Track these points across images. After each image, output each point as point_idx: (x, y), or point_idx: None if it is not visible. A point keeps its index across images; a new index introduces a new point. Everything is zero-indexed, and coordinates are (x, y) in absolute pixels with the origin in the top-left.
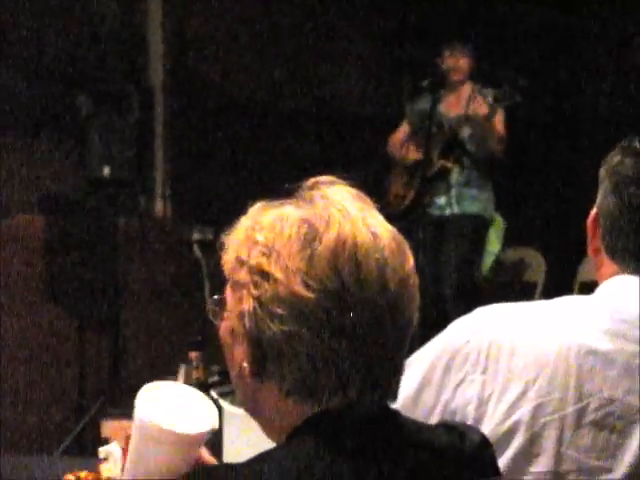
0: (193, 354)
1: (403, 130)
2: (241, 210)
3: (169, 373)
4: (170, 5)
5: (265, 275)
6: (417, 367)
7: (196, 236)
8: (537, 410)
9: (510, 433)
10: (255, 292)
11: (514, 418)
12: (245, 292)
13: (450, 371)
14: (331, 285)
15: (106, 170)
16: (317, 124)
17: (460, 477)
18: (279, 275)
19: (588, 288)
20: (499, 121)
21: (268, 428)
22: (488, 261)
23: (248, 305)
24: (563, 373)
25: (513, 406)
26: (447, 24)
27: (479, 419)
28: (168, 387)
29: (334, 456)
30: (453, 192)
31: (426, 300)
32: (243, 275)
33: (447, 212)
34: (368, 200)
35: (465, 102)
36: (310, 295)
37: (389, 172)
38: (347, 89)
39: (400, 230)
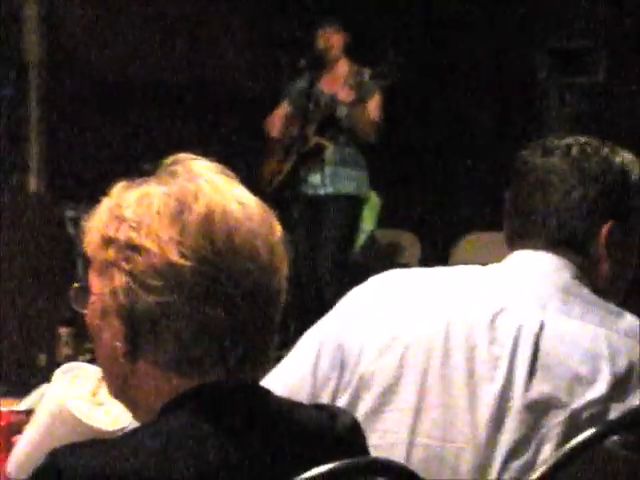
0: (63, 330)
1: (282, 109)
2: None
3: (41, 351)
4: None
5: (136, 248)
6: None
7: (69, 213)
8: (406, 349)
9: (376, 375)
10: (127, 267)
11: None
12: (115, 269)
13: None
14: (205, 253)
15: None
16: (194, 102)
17: (328, 456)
18: (152, 246)
19: None
20: (375, 105)
21: (141, 410)
22: (360, 239)
23: (120, 281)
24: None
25: (381, 352)
26: (325, 1)
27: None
28: (85, 369)
29: (204, 431)
30: (327, 171)
31: (301, 279)
32: (111, 253)
33: (321, 192)
34: (231, 173)
35: (342, 80)
36: (186, 263)
37: (264, 149)
38: (225, 67)
39: (274, 208)
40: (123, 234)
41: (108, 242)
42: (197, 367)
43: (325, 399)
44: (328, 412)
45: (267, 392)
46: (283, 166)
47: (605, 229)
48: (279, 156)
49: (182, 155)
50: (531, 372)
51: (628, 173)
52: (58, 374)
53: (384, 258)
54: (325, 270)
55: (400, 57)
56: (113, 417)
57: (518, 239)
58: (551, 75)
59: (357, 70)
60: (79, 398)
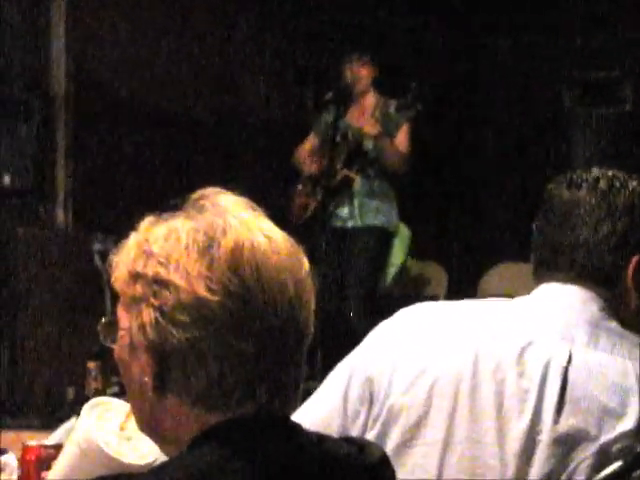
0: (91, 364)
1: (310, 141)
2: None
3: (69, 384)
4: (74, 14)
5: (164, 284)
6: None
7: (97, 246)
8: (435, 383)
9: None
10: (155, 302)
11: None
12: (144, 305)
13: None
14: (233, 287)
15: (6, 179)
16: (222, 134)
17: None
18: (180, 282)
19: None
20: (403, 137)
21: (169, 444)
22: (391, 272)
23: (149, 316)
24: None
25: (412, 383)
26: (351, 35)
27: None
28: (114, 403)
29: (234, 465)
30: (356, 203)
31: (330, 313)
32: (139, 288)
33: (350, 224)
34: (258, 208)
35: (369, 113)
36: (214, 298)
37: (291, 181)
38: (252, 100)
39: (303, 241)
40: (151, 269)
41: (136, 277)
42: (226, 402)
43: (355, 433)
44: (357, 445)
45: (297, 426)
46: (312, 200)
47: (633, 263)
48: (307, 190)
49: (209, 190)
50: (560, 405)
51: None
52: (86, 408)
53: (411, 290)
54: (354, 303)
55: (423, 88)
56: (141, 451)
57: (546, 272)
58: (577, 106)
59: (384, 102)
60: (107, 432)
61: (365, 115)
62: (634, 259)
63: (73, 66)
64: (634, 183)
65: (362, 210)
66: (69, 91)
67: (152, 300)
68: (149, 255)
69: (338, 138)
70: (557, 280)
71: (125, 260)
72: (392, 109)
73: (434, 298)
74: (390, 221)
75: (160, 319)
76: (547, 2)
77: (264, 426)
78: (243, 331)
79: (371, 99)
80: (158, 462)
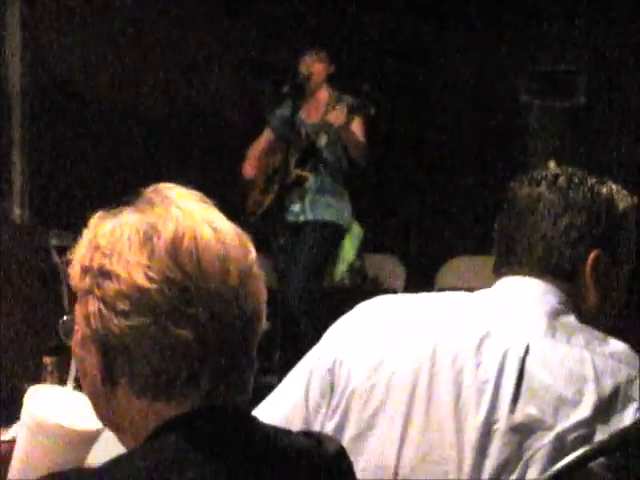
0: (47, 359)
1: (266, 137)
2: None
3: (27, 380)
4: (28, 11)
5: (107, 274)
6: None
7: (54, 242)
8: (393, 373)
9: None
10: (99, 293)
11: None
12: (90, 296)
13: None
14: (172, 275)
15: None
16: (179, 129)
17: None
18: (120, 271)
19: None
20: (357, 129)
21: (126, 438)
22: (340, 268)
23: (93, 307)
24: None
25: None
26: (309, 30)
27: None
28: (54, 391)
29: (189, 458)
30: (307, 199)
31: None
32: (87, 281)
33: (301, 219)
34: (208, 201)
35: (323, 108)
36: (152, 286)
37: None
38: (209, 94)
39: (260, 236)
40: (96, 262)
41: (85, 271)
42: (169, 391)
43: (317, 426)
44: (314, 439)
45: (252, 418)
46: (266, 197)
47: (591, 257)
48: (261, 186)
49: (161, 185)
50: (516, 395)
51: (614, 202)
52: (28, 394)
53: (369, 284)
54: (293, 295)
55: (375, 91)
56: (92, 418)
57: (506, 266)
58: (533, 98)
59: (337, 97)
60: (53, 408)
61: (318, 110)
62: (593, 254)
63: (28, 62)
64: (593, 180)
65: (313, 205)
66: (24, 87)
67: (96, 291)
68: (96, 249)
69: (293, 135)
70: (517, 274)
71: (77, 256)
72: (346, 103)
73: (392, 291)
74: (341, 216)
75: (103, 309)
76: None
77: (218, 418)
78: (183, 318)
79: (324, 94)
80: (101, 428)
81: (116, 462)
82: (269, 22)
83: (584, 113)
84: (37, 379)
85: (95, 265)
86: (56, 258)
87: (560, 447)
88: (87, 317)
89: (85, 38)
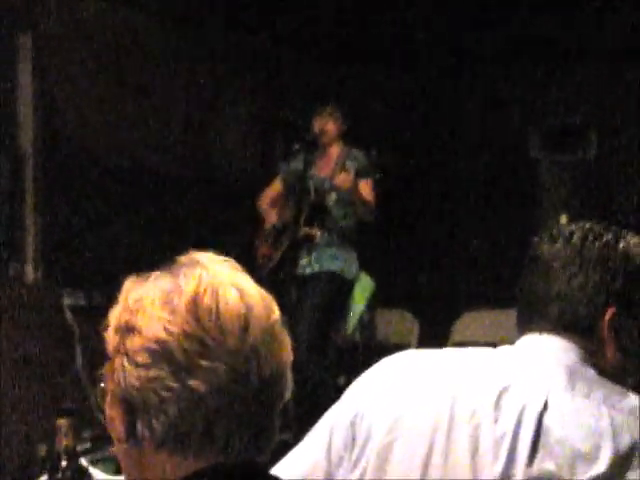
0: (62, 421)
1: (275, 187)
2: (114, 274)
3: (41, 441)
4: (40, 72)
5: (131, 329)
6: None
7: (67, 301)
8: (412, 428)
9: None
10: (123, 348)
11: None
12: (118, 354)
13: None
14: (191, 330)
15: None
16: (193, 187)
17: None
18: (142, 325)
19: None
20: (366, 189)
21: None
22: (352, 321)
23: (119, 363)
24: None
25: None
26: (323, 87)
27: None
28: None
29: None
30: (314, 252)
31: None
32: (117, 339)
33: (308, 271)
34: (240, 268)
35: (334, 164)
36: (170, 339)
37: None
38: (221, 151)
39: (271, 289)
40: (124, 319)
41: (116, 330)
42: (186, 445)
43: (340, 478)
44: None
45: (270, 476)
46: (275, 252)
47: (608, 314)
48: (271, 240)
49: (195, 252)
50: (533, 450)
51: (631, 258)
52: None
53: (382, 339)
54: (302, 347)
55: (383, 156)
56: None
57: (526, 323)
58: (543, 152)
59: (348, 152)
60: None
61: (330, 165)
62: (609, 310)
63: (41, 123)
64: (609, 235)
65: (319, 258)
66: (37, 147)
67: (122, 347)
68: (125, 309)
69: (301, 191)
70: (536, 331)
71: (111, 319)
72: (358, 158)
73: (405, 346)
74: (347, 268)
75: (125, 363)
76: (508, 51)
77: (237, 474)
78: (199, 371)
79: (336, 150)
80: None
81: None
82: (282, 79)
83: (595, 166)
84: (52, 440)
85: (122, 322)
86: (70, 317)
87: None
88: (112, 373)
89: (98, 98)
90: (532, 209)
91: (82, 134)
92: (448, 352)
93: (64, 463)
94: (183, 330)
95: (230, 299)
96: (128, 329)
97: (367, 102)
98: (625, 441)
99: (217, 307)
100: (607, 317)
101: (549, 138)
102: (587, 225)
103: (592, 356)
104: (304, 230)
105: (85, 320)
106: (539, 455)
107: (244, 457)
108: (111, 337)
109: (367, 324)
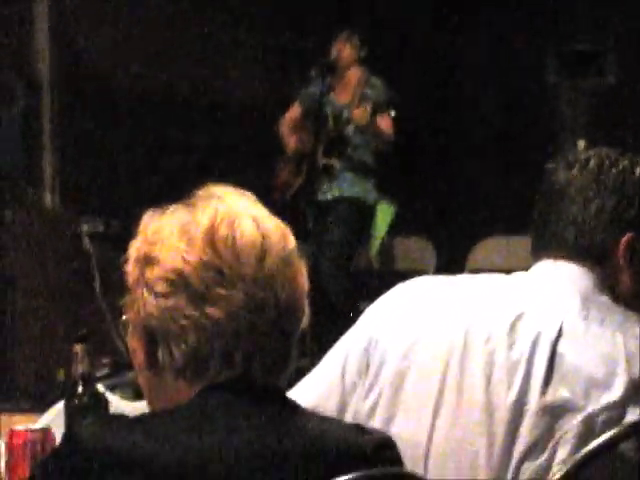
0: (77, 347)
1: (294, 111)
2: (131, 202)
3: (59, 366)
4: (55, 3)
5: (150, 260)
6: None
7: (85, 228)
8: (427, 353)
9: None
10: (143, 279)
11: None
12: (138, 284)
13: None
14: (207, 258)
15: None
16: (207, 114)
17: (347, 468)
18: (161, 256)
19: None
20: (385, 121)
21: None
22: (374, 245)
23: (140, 293)
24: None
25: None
26: (338, 12)
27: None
28: None
29: (214, 428)
30: (334, 179)
31: (317, 289)
32: (136, 270)
33: (328, 196)
34: (252, 197)
35: (353, 90)
36: (187, 267)
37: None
38: (236, 79)
39: (290, 218)
40: (143, 251)
41: (136, 262)
42: (205, 369)
43: (353, 404)
44: (357, 429)
45: (287, 398)
46: (294, 180)
47: (624, 241)
48: (291, 168)
49: (212, 185)
50: (548, 376)
51: None
52: None
53: (399, 265)
54: (328, 273)
55: (395, 94)
56: None
57: (541, 250)
58: (561, 78)
59: (367, 78)
60: None
61: (349, 90)
62: (625, 238)
63: (57, 52)
64: (625, 162)
65: (339, 182)
66: (54, 76)
67: (141, 278)
68: (144, 241)
69: (321, 118)
70: (551, 257)
71: (131, 251)
72: (376, 85)
73: (422, 273)
74: (366, 194)
75: (145, 293)
76: None
77: (244, 392)
78: (217, 299)
79: (355, 75)
80: None
81: (148, 416)
82: (297, 5)
83: (614, 92)
84: (69, 366)
85: (142, 254)
86: (87, 244)
87: (590, 428)
88: (133, 304)
89: (112, 28)
90: (551, 136)
91: (97, 63)
92: (463, 278)
93: (80, 389)
94: (200, 259)
95: (246, 229)
96: (147, 260)
97: (385, 30)
98: (637, 367)
99: (233, 237)
100: (623, 243)
101: (567, 63)
102: (603, 151)
103: (607, 283)
104: (323, 161)
105: (103, 247)
106: (553, 382)
107: (260, 380)
108: (131, 269)
109: (386, 251)
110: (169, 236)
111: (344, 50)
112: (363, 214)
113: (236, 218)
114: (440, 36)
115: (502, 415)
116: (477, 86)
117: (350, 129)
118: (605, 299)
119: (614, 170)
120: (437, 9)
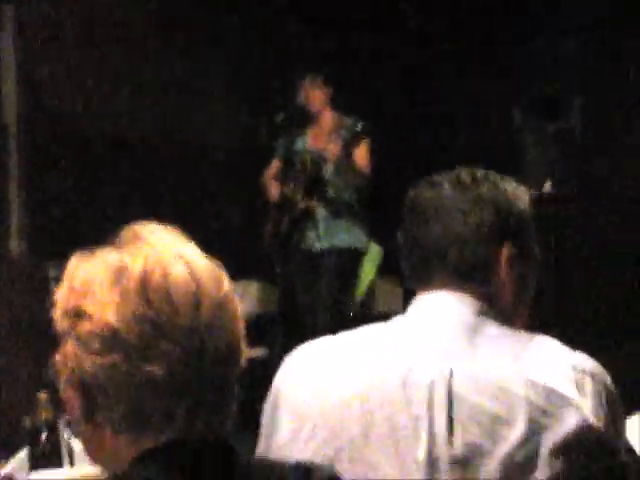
0: (41, 395)
1: (275, 165)
2: (99, 246)
3: (25, 413)
4: (24, 42)
5: (81, 314)
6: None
7: (52, 273)
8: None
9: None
10: (74, 333)
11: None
12: (68, 338)
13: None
14: (142, 312)
15: None
16: (174, 160)
17: None
18: (93, 311)
19: None
20: (361, 154)
21: (112, 473)
22: (362, 288)
23: (70, 348)
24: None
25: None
26: (304, 56)
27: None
28: None
29: None
30: (321, 226)
31: (305, 332)
32: (65, 323)
33: (317, 246)
34: (185, 238)
35: (327, 134)
36: (122, 324)
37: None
38: (205, 124)
39: (278, 267)
40: (72, 303)
41: (64, 314)
42: (146, 427)
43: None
44: (303, 468)
45: (232, 448)
46: (279, 229)
47: (505, 252)
48: (275, 216)
49: (137, 224)
50: (450, 425)
51: (518, 196)
52: None
53: (383, 307)
54: (324, 323)
55: (369, 125)
56: None
57: (419, 279)
58: (527, 121)
59: (339, 119)
60: None
61: (324, 134)
62: (506, 248)
63: (25, 95)
64: (495, 176)
65: (327, 232)
66: (21, 119)
67: (72, 332)
68: (72, 290)
69: (298, 165)
70: (430, 286)
71: (59, 299)
72: (349, 124)
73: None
74: (358, 240)
75: (77, 349)
76: (489, 25)
77: (198, 448)
78: (154, 354)
79: (328, 117)
80: None
81: None
82: (264, 51)
83: (579, 135)
84: (34, 413)
85: (71, 306)
86: (54, 290)
87: (511, 468)
88: (64, 358)
89: (82, 70)
90: (516, 178)
91: (66, 106)
92: (346, 338)
93: (44, 436)
94: (134, 314)
95: (179, 276)
96: (77, 314)
97: (353, 69)
98: (539, 392)
99: (167, 286)
100: (505, 255)
101: (533, 107)
102: (468, 169)
103: (490, 303)
104: (303, 203)
105: None
106: (456, 430)
107: (203, 433)
108: (59, 320)
109: (372, 293)
110: (100, 288)
111: (312, 95)
112: (354, 262)
113: (168, 264)
114: (407, 80)
115: (418, 475)
116: (444, 128)
117: (328, 169)
118: (493, 328)
119: (487, 183)
120: (405, 70)
